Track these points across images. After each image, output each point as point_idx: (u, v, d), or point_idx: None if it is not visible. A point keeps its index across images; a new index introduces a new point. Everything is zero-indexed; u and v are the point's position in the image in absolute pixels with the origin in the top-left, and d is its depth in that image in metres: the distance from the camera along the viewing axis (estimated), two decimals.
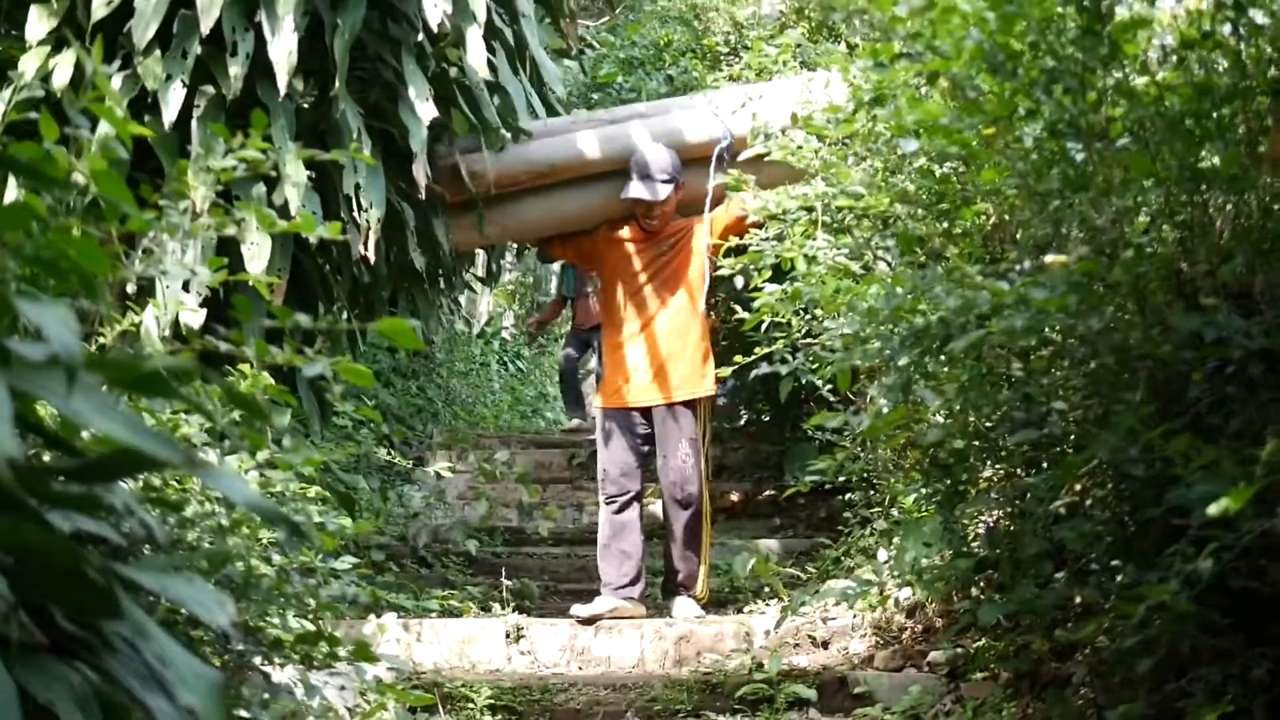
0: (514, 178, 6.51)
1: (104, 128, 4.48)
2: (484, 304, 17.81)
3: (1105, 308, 3.40)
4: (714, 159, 6.60)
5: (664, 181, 6.54)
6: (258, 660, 3.19)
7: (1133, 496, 3.49)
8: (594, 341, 12.59)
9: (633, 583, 6.61)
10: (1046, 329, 3.51)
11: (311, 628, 3.70)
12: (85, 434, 2.45)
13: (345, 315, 6.10)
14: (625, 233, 6.80)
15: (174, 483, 3.24)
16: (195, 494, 3.24)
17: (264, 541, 3.55)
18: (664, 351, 6.67)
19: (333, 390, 3.08)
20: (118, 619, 1.84)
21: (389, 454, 7.05)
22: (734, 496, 9.27)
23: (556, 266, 13.57)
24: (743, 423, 10.10)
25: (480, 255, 8.25)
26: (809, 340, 5.18)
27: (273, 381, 4.00)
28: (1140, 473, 3.17)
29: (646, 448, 6.78)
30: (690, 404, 6.72)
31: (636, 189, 6.54)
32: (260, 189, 5.26)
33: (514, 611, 6.60)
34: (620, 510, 6.71)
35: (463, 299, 14.34)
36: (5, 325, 2.11)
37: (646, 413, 6.75)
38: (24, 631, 1.72)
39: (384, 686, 3.94)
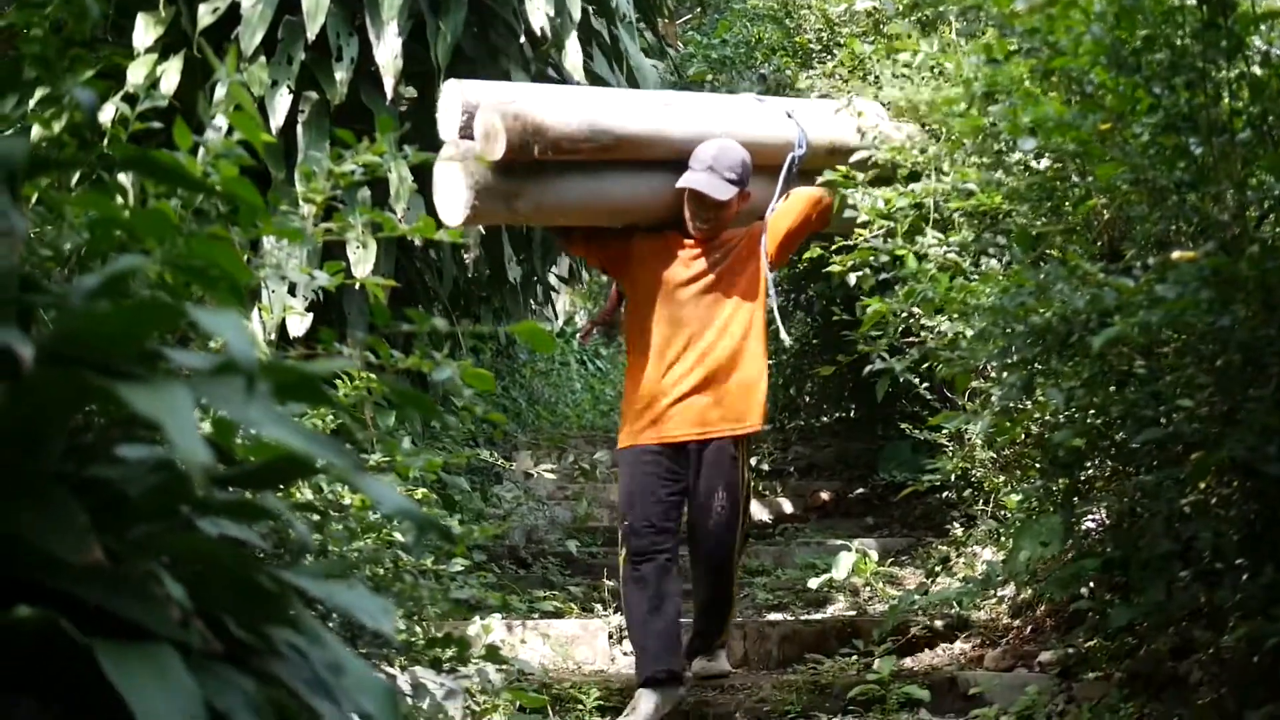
0: (575, 144, 5.11)
1: (210, 134, 4.52)
2: (562, 303, 17.90)
3: (1233, 304, 3.36)
4: (785, 168, 5.60)
5: (730, 181, 5.34)
6: (398, 663, 3.22)
7: (1262, 495, 3.45)
8: None
9: (676, 660, 5.36)
10: (1168, 328, 3.48)
11: (432, 630, 3.73)
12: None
13: (447, 318, 6.13)
14: (667, 238, 5.53)
15: (318, 490, 3.27)
16: (329, 500, 3.27)
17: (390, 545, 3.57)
18: (708, 378, 5.44)
19: (461, 393, 3.10)
20: (291, 626, 1.85)
21: (490, 455, 7.09)
22: (824, 495, 9.23)
23: None
24: (832, 420, 10.07)
25: (564, 257, 8.28)
26: (908, 339, 5.16)
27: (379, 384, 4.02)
28: (1276, 471, 3.13)
29: (679, 497, 5.48)
30: (735, 440, 5.48)
31: (697, 180, 5.31)
32: (366, 193, 5.30)
33: (615, 612, 6.60)
34: (652, 577, 5.35)
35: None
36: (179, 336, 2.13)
37: (681, 451, 5.44)
38: (201, 639, 1.73)
39: (503, 688, 3.96)
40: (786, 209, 5.58)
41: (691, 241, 5.50)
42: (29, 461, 1.66)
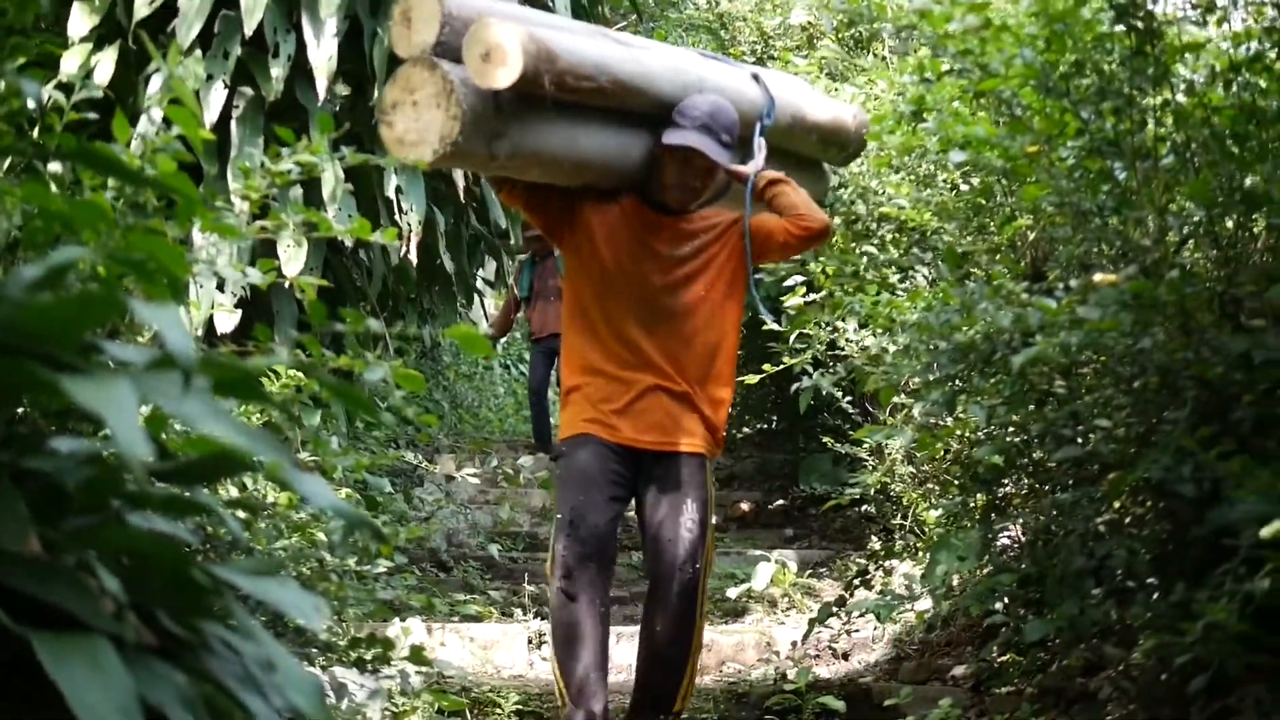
0: (576, 81, 4.14)
1: (145, 125, 4.50)
2: (490, 305, 17.88)
3: (1153, 328, 3.44)
4: (756, 133, 4.69)
5: (724, 144, 4.43)
6: (318, 662, 3.23)
7: (1174, 515, 3.53)
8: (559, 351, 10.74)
9: (605, 693, 4.49)
10: (1096, 347, 3.56)
11: (354, 631, 3.74)
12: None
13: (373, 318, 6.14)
14: (624, 206, 4.59)
15: (243, 488, 3.28)
16: (254, 498, 3.28)
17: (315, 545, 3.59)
18: (677, 377, 4.54)
19: (391, 394, 3.11)
20: (224, 621, 1.87)
21: (413, 457, 7.10)
22: (744, 506, 9.33)
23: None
24: (751, 432, 10.16)
25: (489, 260, 8.30)
26: (833, 352, 5.23)
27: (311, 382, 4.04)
28: (1190, 492, 3.20)
29: (621, 506, 4.58)
30: (704, 459, 4.60)
31: (691, 138, 4.38)
32: (298, 191, 5.30)
33: (535, 618, 6.63)
34: (582, 600, 4.40)
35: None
36: (109, 329, 2.13)
37: (633, 457, 4.55)
38: (135, 632, 1.75)
39: (422, 689, 3.98)
40: (779, 230, 4.57)
41: (660, 214, 4.60)
42: None
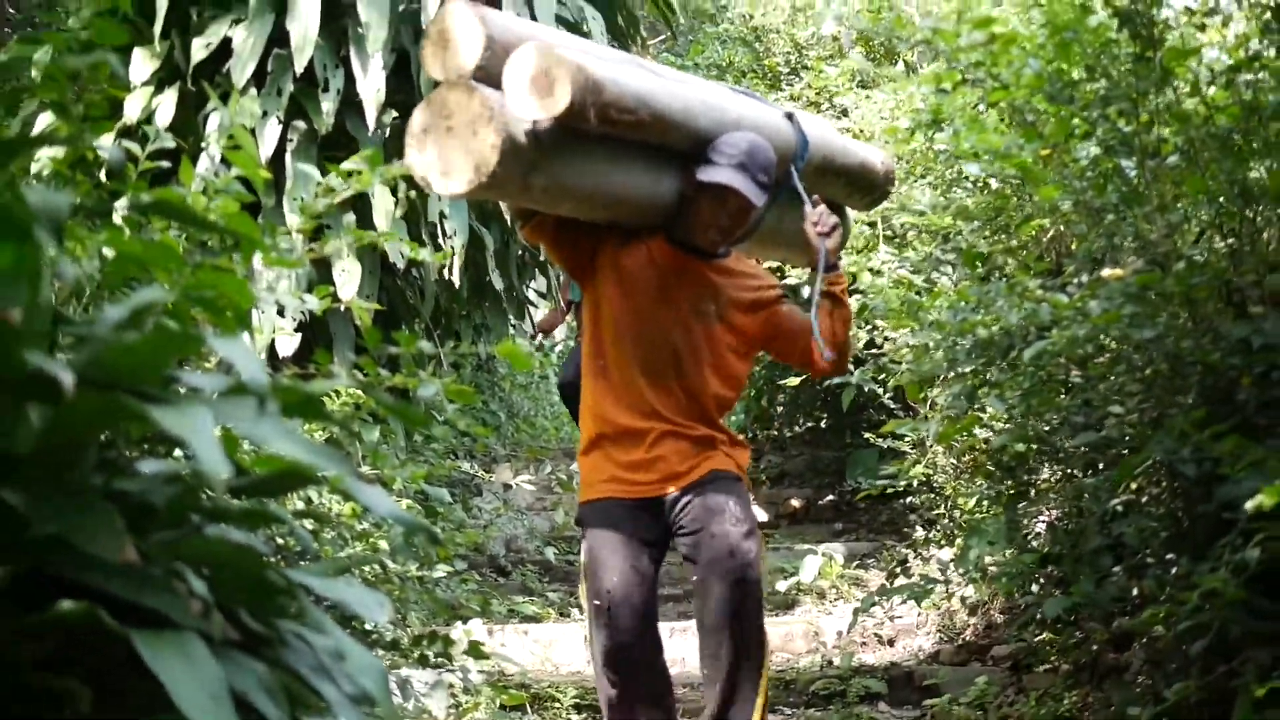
0: (619, 113, 3.83)
1: (205, 162, 4.76)
2: (539, 316, 18.07)
3: (1159, 317, 3.63)
4: (794, 177, 4.41)
5: (762, 185, 4.13)
6: (383, 661, 3.46)
7: (1185, 494, 3.72)
8: None
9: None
10: (1104, 338, 3.74)
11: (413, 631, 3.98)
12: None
13: (428, 336, 6.38)
14: (651, 247, 4.28)
15: (308, 501, 3.51)
16: (319, 510, 3.51)
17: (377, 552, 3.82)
18: (691, 425, 4.24)
19: (444, 409, 3.35)
20: (298, 618, 2.09)
21: (470, 467, 7.33)
22: (795, 502, 9.50)
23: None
24: (800, 430, 10.32)
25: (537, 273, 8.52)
26: (873, 350, 5.42)
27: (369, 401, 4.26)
28: (1192, 472, 3.39)
29: (657, 565, 4.23)
30: (735, 475, 4.27)
31: (731, 178, 4.07)
32: (350, 218, 5.55)
33: None
34: (632, 668, 4.12)
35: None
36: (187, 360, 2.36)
37: (660, 504, 4.20)
38: (220, 630, 1.95)
39: (486, 684, 4.20)
40: (802, 350, 4.33)
41: (689, 256, 4.29)
42: (68, 474, 1.89)
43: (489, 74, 3.73)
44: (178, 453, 2.43)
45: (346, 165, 3.76)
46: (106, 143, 3.19)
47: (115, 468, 2.09)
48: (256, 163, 3.53)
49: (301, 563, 2.77)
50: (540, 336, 11.68)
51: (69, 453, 1.88)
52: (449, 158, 3.73)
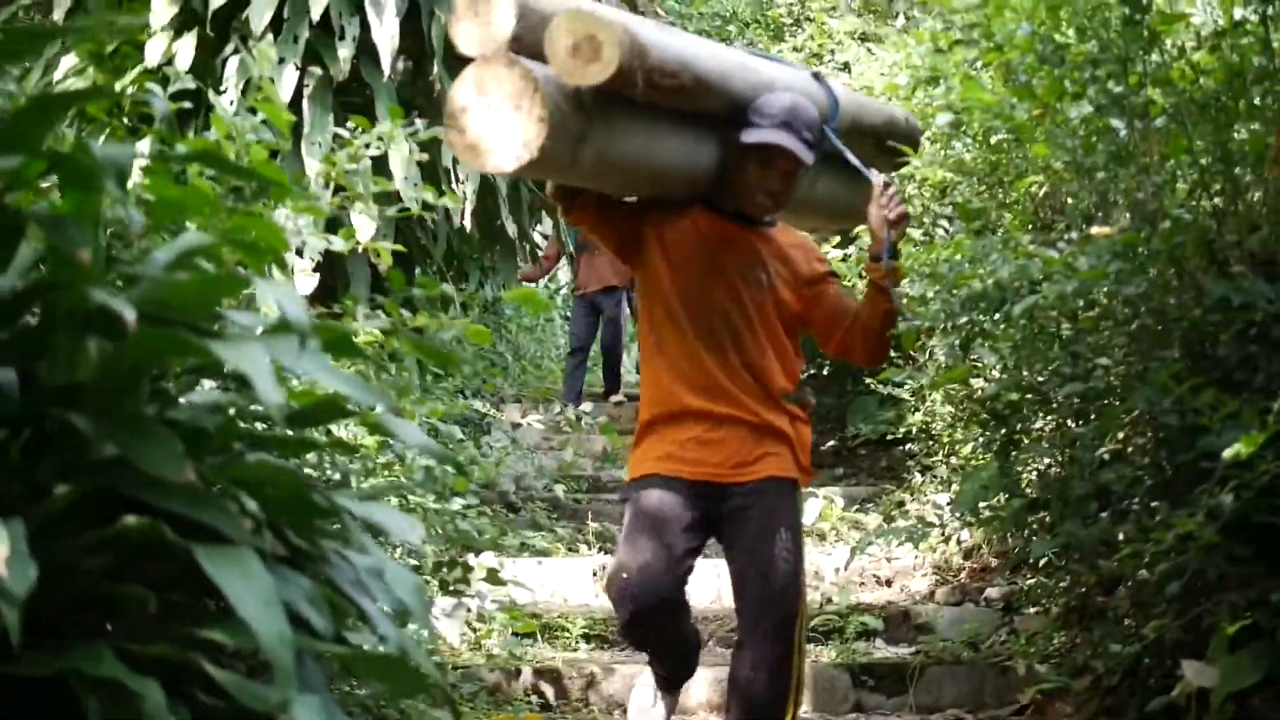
0: (663, 78, 3.67)
1: (223, 104, 4.94)
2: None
3: (1145, 274, 3.79)
4: (832, 137, 4.28)
5: (808, 143, 4.03)
6: None
7: (1168, 443, 3.88)
8: (603, 307, 10.97)
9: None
10: (1093, 293, 3.90)
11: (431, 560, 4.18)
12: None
13: (440, 278, 6.56)
14: (696, 218, 4.19)
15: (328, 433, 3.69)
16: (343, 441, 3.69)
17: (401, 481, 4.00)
18: (752, 405, 4.13)
19: (465, 350, 3.54)
20: (341, 537, 2.26)
21: (481, 406, 7.51)
22: None
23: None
24: (803, 376, 10.45)
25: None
26: None
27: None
28: (1174, 422, 3.57)
29: (695, 555, 4.10)
30: (791, 483, 4.19)
31: (778, 135, 3.98)
32: (367, 163, 5.71)
33: (598, 553, 7.09)
34: (648, 639, 4.21)
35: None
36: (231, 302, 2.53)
37: (712, 494, 4.09)
38: (270, 545, 2.12)
39: (502, 609, 4.39)
40: (841, 332, 4.33)
41: (736, 225, 4.21)
42: (128, 401, 2.05)
43: (524, 44, 3.58)
44: (206, 384, 2.54)
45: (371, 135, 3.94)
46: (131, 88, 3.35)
47: (167, 397, 2.26)
48: (282, 109, 3.70)
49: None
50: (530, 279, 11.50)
51: (128, 381, 2.02)
52: (493, 136, 3.58)
